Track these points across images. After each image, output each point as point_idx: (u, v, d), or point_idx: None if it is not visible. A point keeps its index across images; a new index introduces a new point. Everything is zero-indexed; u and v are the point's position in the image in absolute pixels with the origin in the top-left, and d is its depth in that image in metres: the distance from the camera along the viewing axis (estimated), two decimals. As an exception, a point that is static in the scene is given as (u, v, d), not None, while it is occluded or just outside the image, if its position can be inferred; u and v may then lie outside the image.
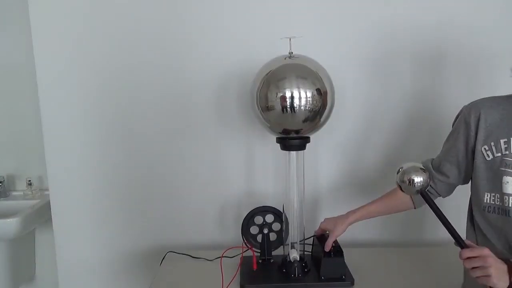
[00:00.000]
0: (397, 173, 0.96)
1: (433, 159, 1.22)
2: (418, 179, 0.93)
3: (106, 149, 1.56)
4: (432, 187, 1.18)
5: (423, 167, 0.95)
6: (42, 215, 1.87)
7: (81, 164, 1.57)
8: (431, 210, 0.95)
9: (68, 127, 1.55)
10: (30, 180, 1.99)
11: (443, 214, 0.94)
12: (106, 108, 1.53)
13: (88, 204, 1.60)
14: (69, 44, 1.49)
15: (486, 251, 0.88)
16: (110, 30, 1.48)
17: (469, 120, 1.09)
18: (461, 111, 1.15)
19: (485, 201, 1.06)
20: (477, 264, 0.88)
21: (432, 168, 1.19)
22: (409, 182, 0.93)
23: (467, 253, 0.89)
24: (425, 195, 0.94)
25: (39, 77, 1.51)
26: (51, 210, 1.61)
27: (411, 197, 1.21)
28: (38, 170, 2.00)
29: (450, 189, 1.20)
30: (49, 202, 1.61)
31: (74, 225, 1.61)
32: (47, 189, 1.71)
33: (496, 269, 0.87)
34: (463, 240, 0.92)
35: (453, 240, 0.94)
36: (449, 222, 0.93)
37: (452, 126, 1.18)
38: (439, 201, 1.11)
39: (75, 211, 1.61)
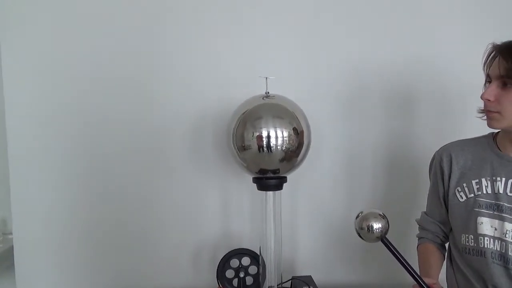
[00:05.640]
0: (356, 218, 0.95)
1: (425, 212, 1.23)
2: (377, 226, 0.93)
3: (74, 192, 1.50)
4: (442, 234, 1.18)
5: (382, 213, 0.94)
6: (4, 261, 1.76)
7: (48, 207, 1.50)
8: (393, 257, 0.93)
9: (35, 168, 1.48)
10: (-8, 223, 1.89)
11: (406, 261, 0.93)
12: (75, 149, 1.48)
13: (55, 249, 1.52)
14: (39, 81, 1.46)
15: None
16: (82, 67, 1.46)
17: (442, 164, 1.13)
18: (433, 157, 1.18)
19: (462, 242, 1.06)
20: None
21: (428, 217, 1.19)
22: (368, 228, 0.93)
23: None
24: (386, 242, 0.93)
25: (8, 116, 1.46)
26: (14, 256, 1.52)
27: (439, 249, 1.18)
28: (1, 212, 1.91)
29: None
30: (12, 247, 1.53)
31: (38, 271, 1.52)
32: (10, 233, 1.63)
33: None
34: (427, 285, 0.92)
35: None
36: (414, 269, 0.93)
37: (429, 172, 1.20)
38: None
39: (40, 257, 1.52)
